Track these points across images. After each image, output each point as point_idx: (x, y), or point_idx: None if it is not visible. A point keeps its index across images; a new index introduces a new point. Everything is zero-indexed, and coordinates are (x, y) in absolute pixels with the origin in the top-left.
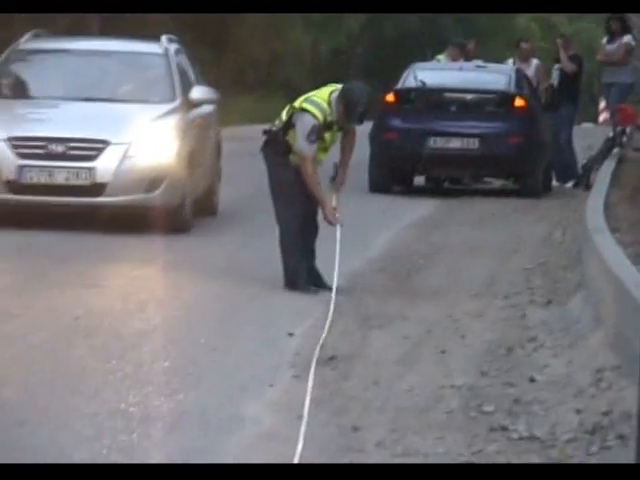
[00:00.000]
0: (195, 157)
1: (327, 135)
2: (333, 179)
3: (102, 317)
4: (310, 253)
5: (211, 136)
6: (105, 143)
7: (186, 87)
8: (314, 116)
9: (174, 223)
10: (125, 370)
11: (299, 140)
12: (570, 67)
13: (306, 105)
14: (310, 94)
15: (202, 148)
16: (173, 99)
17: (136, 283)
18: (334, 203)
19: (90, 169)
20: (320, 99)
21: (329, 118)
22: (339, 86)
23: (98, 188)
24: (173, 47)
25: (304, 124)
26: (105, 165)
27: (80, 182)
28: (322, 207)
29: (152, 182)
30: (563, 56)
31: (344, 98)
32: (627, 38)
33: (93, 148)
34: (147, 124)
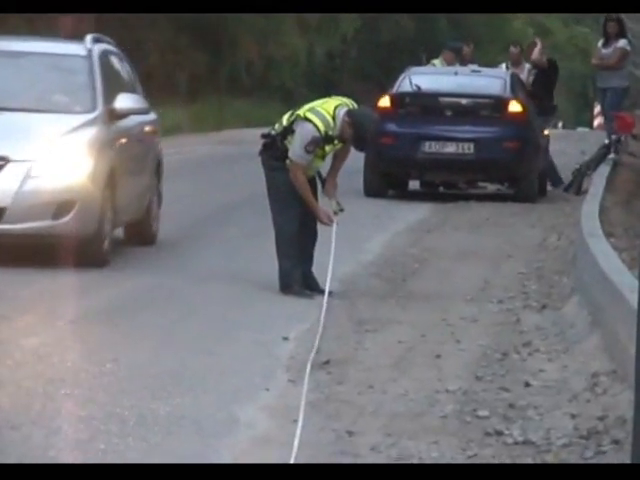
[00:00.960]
0: (119, 177)
1: (327, 147)
2: (322, 186)
3: (98, 320)
4: (307, 258)
5: (147, 152)
6: (4, 160)
7: (114, 95)
8: (317, 128)
9: (88, 255)
10: (119, 374)
11: (295, 147)
12: (542, 60)
13: (310, 115)
14: (315, 103)
15: (132, 167)
16: (93, 109)
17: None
18: (334, 207)
19: None
20: (325, 112)
21: (330, 132)
22: (345, 100)
23: None
24: (99, 48)
25: (305, 133)
26: (3, 186)
27: None
28: (314, 211)
29: (61, 207)
30: (537, 51)
31: (355, 125)
32: (622, 42)
33: None
34: (56, 138)
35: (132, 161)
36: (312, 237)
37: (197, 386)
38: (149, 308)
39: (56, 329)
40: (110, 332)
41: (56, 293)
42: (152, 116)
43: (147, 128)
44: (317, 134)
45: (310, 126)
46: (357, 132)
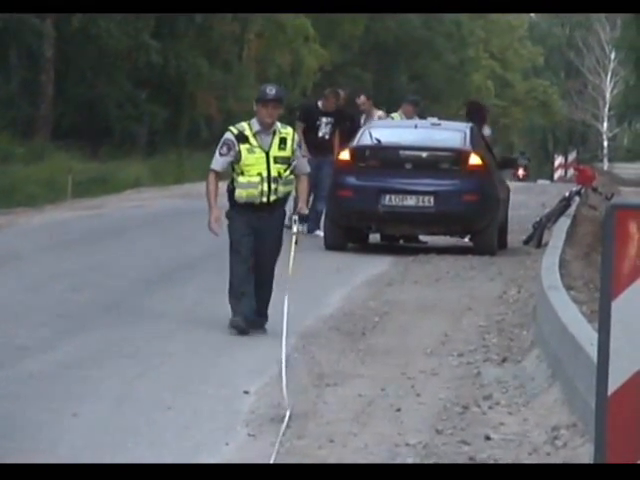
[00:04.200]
0: None
1: (243, 149)
2: (294, 209)
3: (58, 374)
4: (259, 300)
5: None
6: None
7: None
8: (229, 131)
9: None
10: (81, 428)
11: (214, 157)
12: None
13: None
14: None
15: None
16: None
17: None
18: (294, 230)
19: None
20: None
21: (245, 132)
22: None
23: None
24: None
25: (220, 143)
26: None
27: None
28: (209, 213)
29: None
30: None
31: (258, 96)
32: (486, 131)
33: None
34: None
35: None
36: (267, 283)
37: (157, 441)
38: (109, 363)
39: (17, 382)
40: (70, 386)
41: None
42: None
43: None
44: (228, 135)
45: (226, 133)
46: (261, 98)
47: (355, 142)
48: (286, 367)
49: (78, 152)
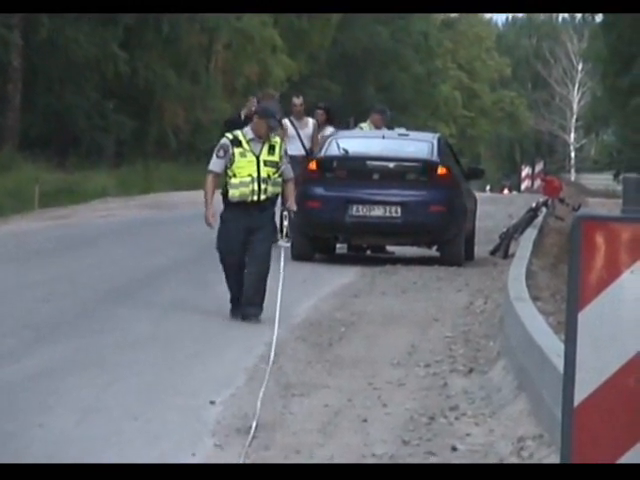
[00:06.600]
0: None
1: (237, 152)
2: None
3: (24, 385)
4: (246, 287)
5: None
6: None
7: None
8: (225, 136)
9: None
10: (47, 438)
11: (211, 159)
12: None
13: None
14: None
15: None
16: None
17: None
18: (285, 223)
19: None
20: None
21: (239, 138)
22: None
23: None
24: None
25: (217, 147)
26: None
27: None
28: (206, 209)
29: None
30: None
31: (258, 112)
32: (329, 130)
33: None
34: None
35: None
36: (254, 267)
37: (124, 451)
38: (76, 373)
39: None
40: (37, 397)
41: None
42: None
43: None
44: (224, 140)
45: (222, 139)
46: (261, 115)
47: (322, 152)
48: (252, 379)
49: (45, 162)
